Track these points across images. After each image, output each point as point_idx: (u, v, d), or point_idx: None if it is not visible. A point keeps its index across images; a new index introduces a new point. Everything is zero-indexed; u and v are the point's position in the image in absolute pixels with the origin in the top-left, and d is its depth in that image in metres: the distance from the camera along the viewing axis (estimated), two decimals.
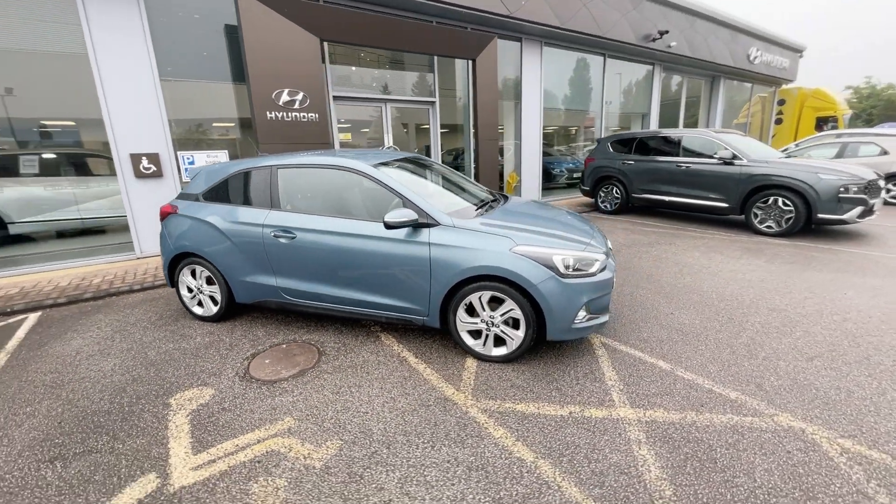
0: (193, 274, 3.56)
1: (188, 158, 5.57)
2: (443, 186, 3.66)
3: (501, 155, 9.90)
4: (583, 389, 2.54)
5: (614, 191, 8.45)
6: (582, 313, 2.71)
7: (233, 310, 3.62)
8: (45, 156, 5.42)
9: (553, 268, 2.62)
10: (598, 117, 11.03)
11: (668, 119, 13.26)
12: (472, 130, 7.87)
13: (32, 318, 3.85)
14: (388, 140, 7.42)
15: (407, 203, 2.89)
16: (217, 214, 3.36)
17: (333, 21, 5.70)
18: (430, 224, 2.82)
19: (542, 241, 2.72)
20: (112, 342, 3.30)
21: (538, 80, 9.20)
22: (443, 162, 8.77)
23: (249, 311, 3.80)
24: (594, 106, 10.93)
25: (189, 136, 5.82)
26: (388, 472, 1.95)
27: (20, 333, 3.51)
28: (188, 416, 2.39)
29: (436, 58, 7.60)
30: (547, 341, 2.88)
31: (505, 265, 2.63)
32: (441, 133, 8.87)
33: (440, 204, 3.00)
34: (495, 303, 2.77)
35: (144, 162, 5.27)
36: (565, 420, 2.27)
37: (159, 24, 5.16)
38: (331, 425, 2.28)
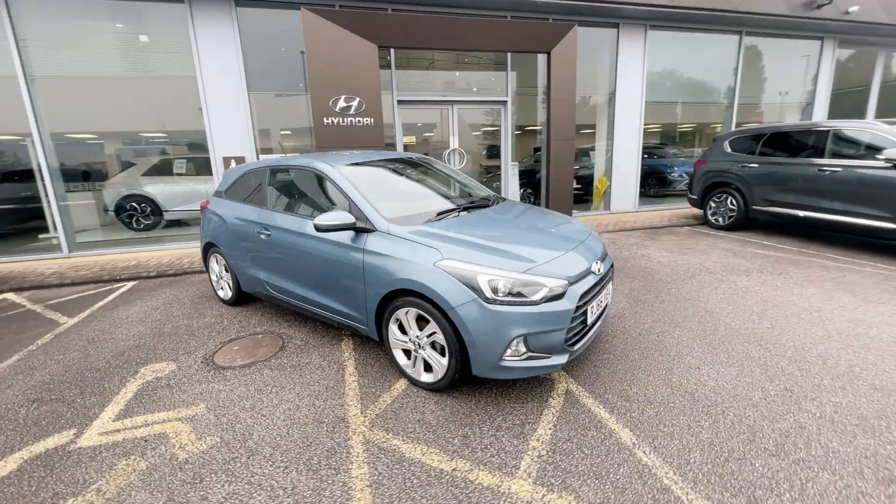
0: (217, 262, 4.06)
1: None
2: (426, 189, 3.41)
3: (588, 156, 8.88)
4: (493, 444, 2.05)
5: (728, 201, 6.75)
6: (520, 348, 2.20)
7: (245, 297, 4.01)
8: (179, 159, 6.92)
9: (477, 289, 2.18)
10: (731, 110, 8.97)
11: (848, 110, 10.05)
12: (546, 130, 7.21)
13: (129, 285, 4.91)
14: (454, 143, 7.32)
15: (351, 206, 2.77)
16: (228, 210, 3.76)
17: (390, 27, 5.86)
18: (368, 229, 2.64)
19: (472, 257, 2.29)
20: (154, 312, 3.98)
21: (640, 69, 7.94)
22: (521, 164, 8.24)
23: (261, 300, 4.16)
24: (726, 97, 8.93)
25: (271, 142, 6.70)
26: (225, 483, 1.87)
27: (111, 297, 4.50)
28: (139, 385, 2.71)
29: (509, 54, 7.20)
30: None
31: (424, 280, 2.29)
32: (522, 135, 8.39)
33: (392, 208, 2.78)
34: (424, 322, 2.44)
35: (233, 164, 6.25)
36: (440, 477, 1.85)
37: (249, 46, 6.05)
38: (226, 420, 2.31)
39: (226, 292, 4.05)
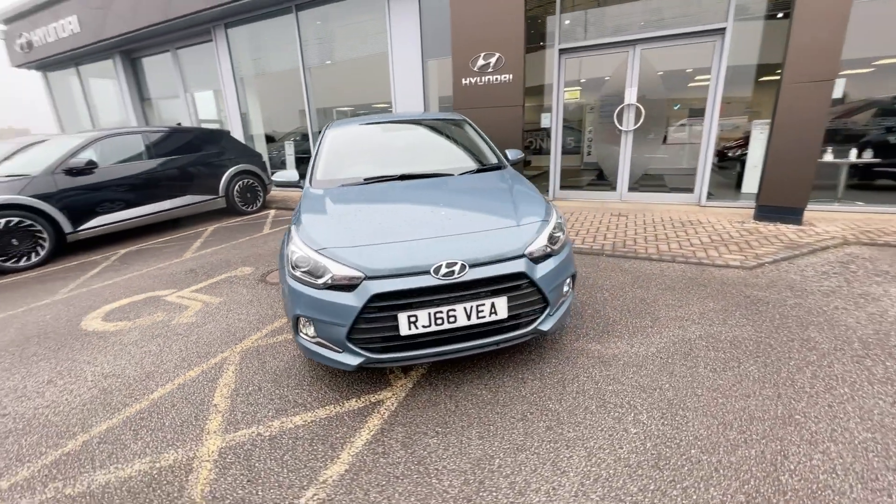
0: None
1: None
2: (403, 154, 3.25)
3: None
4: (261, 404, 2.10)
5: None
6: (310, 330, 2.07)
7: None
8: None
9: (287, 258, 2.15)
10: None
11: None
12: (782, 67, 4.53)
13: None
14: (631, 96, 5.74)
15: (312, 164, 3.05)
16: None
17: None
18: (303, 187, 2.89)
19: (304, 226, 2.22)
20: None
21: None
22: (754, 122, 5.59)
23: None
24: None
25: (441, 106, 7.30)
26: (154, 342, 2.81)
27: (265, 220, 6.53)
28: (224, 276, 4.12)
29: None
30: None
31: (284, 241, 2.42)
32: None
33: (334, 170, 2.93)
34: None
35: None
36: (205, 405, 2.14)
37: (427, 15, 6.65)
38: (214, 312, 3.29)
39: None
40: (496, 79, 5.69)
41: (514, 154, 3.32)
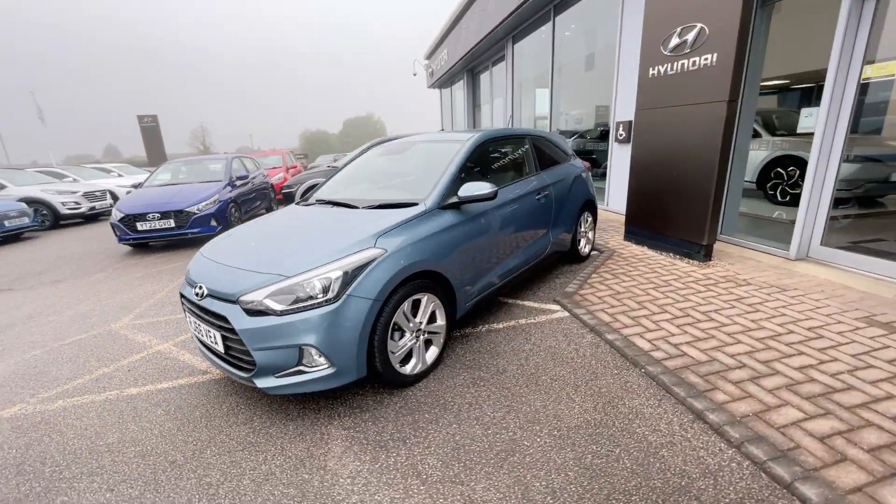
0: None
1: None
2: (396, 178, 3.20)
3: None
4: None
5: None
6: None
7: None
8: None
9: None
10: None
11: None
12: None
13: None
14: None
15: None
16: None
17: None
18: None
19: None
20: None
21: None
22: None
23: None
24: None
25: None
26: None
27: None
28: None
29: None
30: None
31: None
32: None
33: (332, 189, 3.39)
34: None
35: (620, 129, 5.99)
36: None
37: None
38: None
39: None
40: (692, 63, 3.81)
41: (470, 189, 2.52)
